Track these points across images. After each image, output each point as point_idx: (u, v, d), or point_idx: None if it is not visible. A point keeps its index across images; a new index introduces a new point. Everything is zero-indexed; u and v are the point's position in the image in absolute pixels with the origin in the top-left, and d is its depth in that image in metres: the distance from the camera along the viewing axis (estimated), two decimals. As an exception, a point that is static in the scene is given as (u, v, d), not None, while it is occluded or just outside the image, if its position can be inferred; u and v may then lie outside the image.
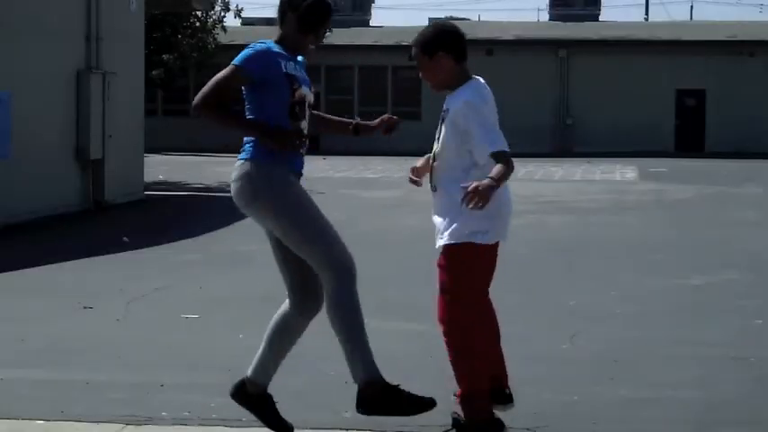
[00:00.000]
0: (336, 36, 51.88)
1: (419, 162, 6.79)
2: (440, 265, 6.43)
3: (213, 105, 6.08)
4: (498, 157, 6.07)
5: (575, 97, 46.59)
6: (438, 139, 6.48)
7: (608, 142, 43.13)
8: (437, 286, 6.44)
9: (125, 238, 16.71)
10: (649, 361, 8.89)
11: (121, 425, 6.95)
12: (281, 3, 6.37)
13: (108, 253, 15.46)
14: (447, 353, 6.38)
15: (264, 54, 6.18)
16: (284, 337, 6.37)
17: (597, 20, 54.74)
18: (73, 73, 21.44)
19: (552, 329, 9.75)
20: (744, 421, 7.07)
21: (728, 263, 13.99)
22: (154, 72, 36.81)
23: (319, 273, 6.10)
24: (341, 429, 6.86)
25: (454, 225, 6.27)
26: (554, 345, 9.10)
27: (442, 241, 6.35)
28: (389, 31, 53.20)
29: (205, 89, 6.06)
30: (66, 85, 21.21)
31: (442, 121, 6.44)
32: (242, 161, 6.20)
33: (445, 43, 6.34)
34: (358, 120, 6.89)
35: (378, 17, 73.32)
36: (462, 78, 6.40)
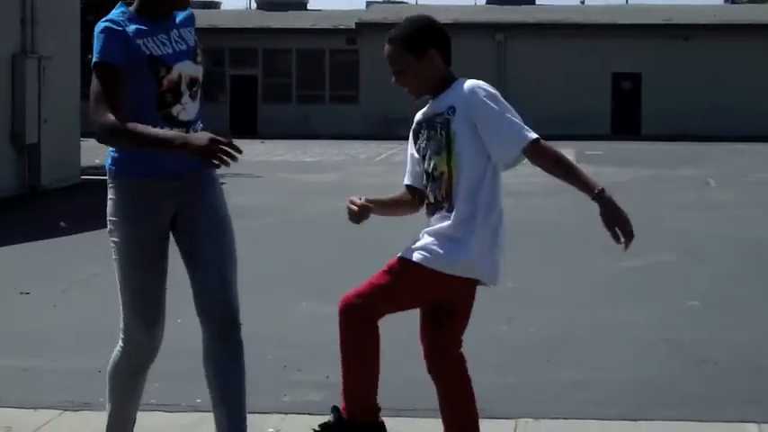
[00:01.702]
0: (274, 19, 51.90)
1: (361, 198, 5.51)
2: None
3: (115, 126, 4.67)
4: (541, 149, 4.98)
5: (512, 81, 46.71)
6: (427, 156, 5.12)
7: (545, 125, 42.86)
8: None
9: (62, 223, 16.60)
10: (586, 343, 8.95)
11: (59, 411, 6.91)
12: None
13: (45, 238, 15.35)
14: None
15: (114, 34, 4.77)
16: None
17: (534, 3, 54.88)
18: (8, 57, 21.29)
19: (491, 312, 9.80)
20: (678, 403, 7.13)
21: (664, 245, 14.09)
22: (90, 56, 36.44)
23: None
24: (281, 413, 6.86)
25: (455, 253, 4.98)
26: (492, 327, 9.13)
27: (414, 256, 5.12)
28: (327, 14, 53.11)
29: (94, 116, 4.71)
30: (0, 70, 21.03)
31: (434, 130, 5.07)
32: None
33: (436, 40, 5.15)
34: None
35: (315, 1, 72.50)
36: (449, 81, 5.12)
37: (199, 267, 4.94)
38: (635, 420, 6.72)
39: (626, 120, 47.05)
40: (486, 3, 55.13)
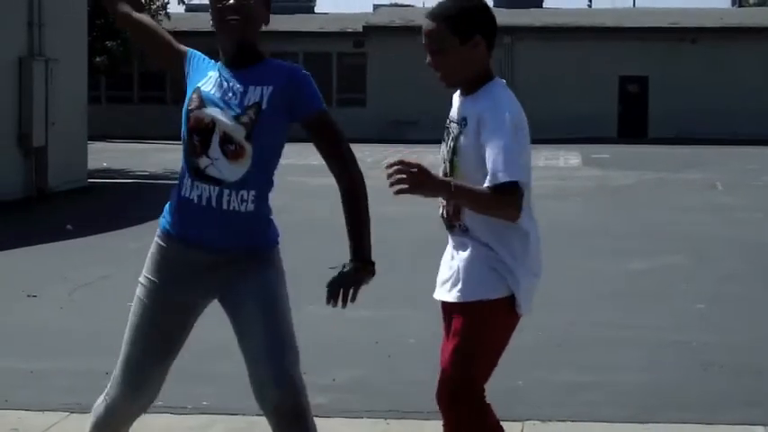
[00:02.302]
0: (281, 22, 51.83)
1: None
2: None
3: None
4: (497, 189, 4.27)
5: (519, 84, 46.64)
6: (440, 160, 4.60)
7: (552, 128, 43.20)
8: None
9: (69, 226, 16.61)
10: (592, 345, 8.95)
11: (66, 413, 6.92)
12: None
13: (52, 241, 15.36)
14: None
15: (202, 55, 4.70)
16: None
17: (541, 6, 54.89)
18: (15, 60, 21.27)
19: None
20: (685, 406, 7.14)
21: (670, 248, 14.09)
22: (97, 59, 36.52)
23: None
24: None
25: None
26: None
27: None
28: (334, 17, 53.11)
29: None
30: (8, 72, 21.05)
31: (447, 135, 4.55)
32: None
33: (483, 25, 4.46)
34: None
35: (322, 4, 73.23)
36: (487, 75, 4.48)
37: (248, 349, 4.45)
38: (642, 423, 6.73)
39: (633, 123, 46.96)
40: (494, 6, 55.18)
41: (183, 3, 43.43)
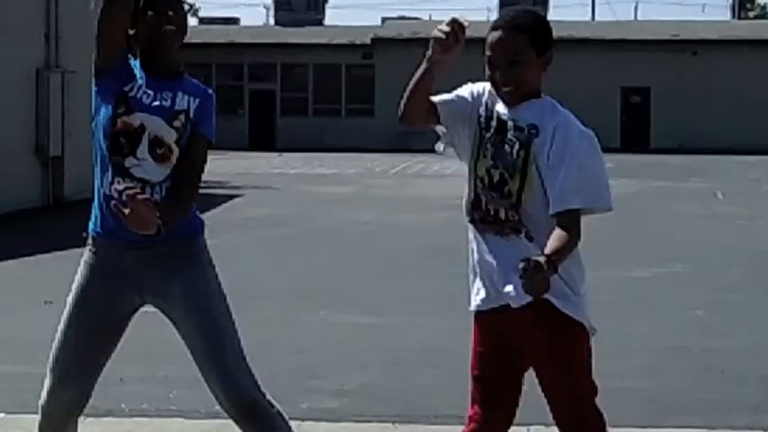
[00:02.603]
0: (292, 35, 51.93)
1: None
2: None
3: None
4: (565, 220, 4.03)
5: (524, 95, 46.71)
6: (487, 160, 4.12)
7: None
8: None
9: (85, 234, 16.60)
10: (596, 351, 8.92)
11: (82, 417, 6.92)
12: None
13: (67, 248, 15.37)
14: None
15: (126, 59, 4.60)
16: None
17: (545, 19, 54.90)
18: (32, 71, 21.32)
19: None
20: (686, 410, 7.13)
21: (672, 256, 14.08)
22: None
23: None
24: (298, 419, 6.86)
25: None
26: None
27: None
28: (343, 30, 53.14)
29: None
30: (25, 84, 21.09)
31: (508, 142, 4.10)
32: None
33: (552, 42, 4.26)
34: None
35: (331, 17, 73.04)
36: (539, 92, 4.23)
37: (194, 358, 4.53)
38: (644, 428, 6.71)
39: (635, 133, 47.00)
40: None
41: (197, 16, 43.47)
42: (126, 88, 4.44)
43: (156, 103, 4.42)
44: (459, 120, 4.17)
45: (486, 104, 4.16)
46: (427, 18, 56.47)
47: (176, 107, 4.43)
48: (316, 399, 7.41)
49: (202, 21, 47.75)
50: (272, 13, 57.53)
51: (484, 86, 4.21)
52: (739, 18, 73.36)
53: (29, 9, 21.29)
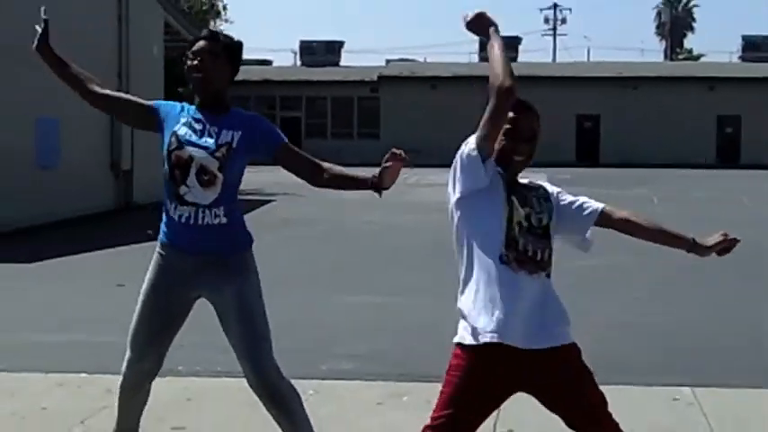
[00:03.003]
0: (314, 74, 51.97)
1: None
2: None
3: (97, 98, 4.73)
4: None
5: (499, 121, 46.68)
6: (530, 208, 3.85)
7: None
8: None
9: (149, 231, 16.60)
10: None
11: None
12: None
13: (135, 242, 15.41)
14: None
15: (174, 103, 4.69)
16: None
17: (516, 60, 54.81)
18: (108, 103, 21.37)
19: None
20: (628, 372, 7.13)
21: (617, 248, 14.03)
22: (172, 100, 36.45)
23: None
24: (318, 379, 6.87)
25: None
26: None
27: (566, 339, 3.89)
28: (355, 70, 53.11)
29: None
30: (102, 115, 21.10)
31: (536, 197, 3.95)
32: None
33: None
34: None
35: (345, 59, 72.19)
36: None
37: (234, 346, 4.55)
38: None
39: (588, 151, 46.97)
40: (479, 60, 55.07)
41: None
42: (176, 128, 4.43)
43: (203, 138, 4.38)
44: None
45: (505, 180, 3.81)
46: (422, 60, 56.43)
47: (220, 141, 4.36)
48: (333, 362, 7.43)
49: (243, 63, 47.54)
50: (298, 56, 57.63)
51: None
52: (670, 60, 73.48)
53: (107, 54, 21.37)
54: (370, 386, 6.67)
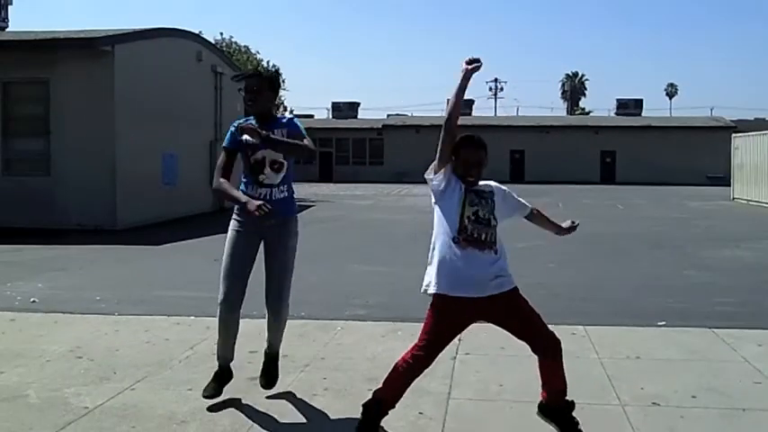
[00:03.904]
0: (340, 123, 51.97)
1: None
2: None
3: (217, 186, 4.45)
4: None
5: (460, 154, 46.64)
6: (477, 206, 3.79)
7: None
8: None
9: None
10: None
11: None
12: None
13: (225, 232, 15.36)
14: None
15: (232, 133, 4.43)
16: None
17: (470, 115, 54.81)
18: (208, 142, 21.34)
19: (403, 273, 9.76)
20: (543, 314, 7.09)
21: (537, 235, 13.96)
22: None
23: None
24: (344, 320, 6.79)
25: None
26: (402, 280, 9.06)
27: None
28: (367, 120, 53.04)
29: (215, 175, 4.49)
30: (204, 149, 21.11)
31: (484, 198, 3.84)
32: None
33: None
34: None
35: (361, 114, 71.68)
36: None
37: (267, 275, 4.46)
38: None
39: (517, 174, 46.93)
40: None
41: (292, 113, 43.26)
42: (245, 141, 4.31)
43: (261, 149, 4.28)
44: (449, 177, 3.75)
45: (466, 188, 3.76)
46: (411, 114, 56.34)
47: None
48: (352, 309, 7.39)
49: (296, 116, 47.63)
50: (330, 112, 57.57)
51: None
52: (570, 114, 73.29)
53: (207, 112, 21.33)
54: (377, 325, 6.64)
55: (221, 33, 47.45)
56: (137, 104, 16.73)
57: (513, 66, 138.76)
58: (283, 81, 38.92)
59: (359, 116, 56.03)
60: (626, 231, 15.94)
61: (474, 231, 3.68)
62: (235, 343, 4.58)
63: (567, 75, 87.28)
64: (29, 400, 4.52)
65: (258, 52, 42.24)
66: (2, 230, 14.60)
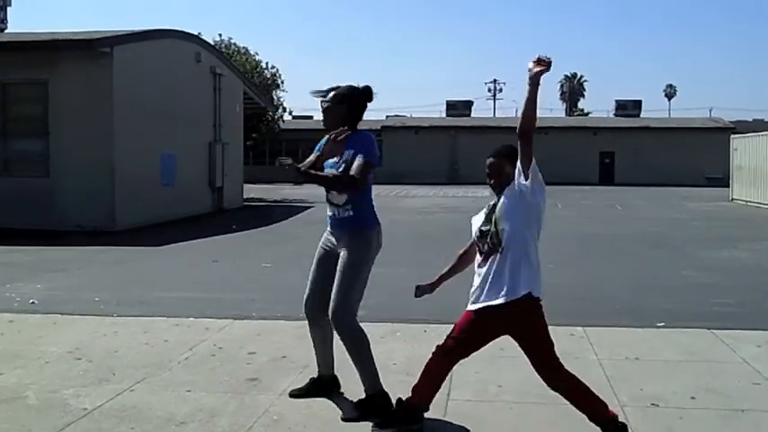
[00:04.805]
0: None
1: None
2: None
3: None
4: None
5: (460, 154, 46.70)
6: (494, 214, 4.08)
7: (479, 177, 43.16)
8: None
9: (234, 226, 16.63)
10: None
11: (230, 320, 6.91)
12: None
13: (225, 234, 15.39)
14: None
15: (322, 142, 4.48)
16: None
17: (470, 116, 54.84)
18: (207, 143, 21.34)
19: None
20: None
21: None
22: (248, 143, 36.41)
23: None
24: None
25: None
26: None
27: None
28: (366, 122, 52.53)
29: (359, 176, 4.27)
30: (204, 150, 21.11)
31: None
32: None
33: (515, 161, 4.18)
34: None
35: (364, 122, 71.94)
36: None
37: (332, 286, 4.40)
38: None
39: (516, 174, 47.01)
40: (447, 115, 55.04)
41: (291, 114, 43.29)
42: (313, 158, 4.38)
43: (332, 159, 4.29)
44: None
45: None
46: (409, 115, 56.38)
47: (343, 158, 4.23)
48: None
49: (294, 117, 47.50)
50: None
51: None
52: (569, 115, 73.36)
53: (205, 110, 21.32)
54: (377, 326, 6.65)
55: (220, 34, 47.27)
56: (136, 105, 16.73)
57: (512, 66, 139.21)
58: (282, 82, 38.90)
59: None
60: (625, 232, 15.97)
61: (479, 244, 3.91)
62: (325, 352, 4.59)
63: (566, 76, 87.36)
64: (28, 401, 4.52)
65: (257, 53, 42.41)
66: (0, 231, 14.61)
